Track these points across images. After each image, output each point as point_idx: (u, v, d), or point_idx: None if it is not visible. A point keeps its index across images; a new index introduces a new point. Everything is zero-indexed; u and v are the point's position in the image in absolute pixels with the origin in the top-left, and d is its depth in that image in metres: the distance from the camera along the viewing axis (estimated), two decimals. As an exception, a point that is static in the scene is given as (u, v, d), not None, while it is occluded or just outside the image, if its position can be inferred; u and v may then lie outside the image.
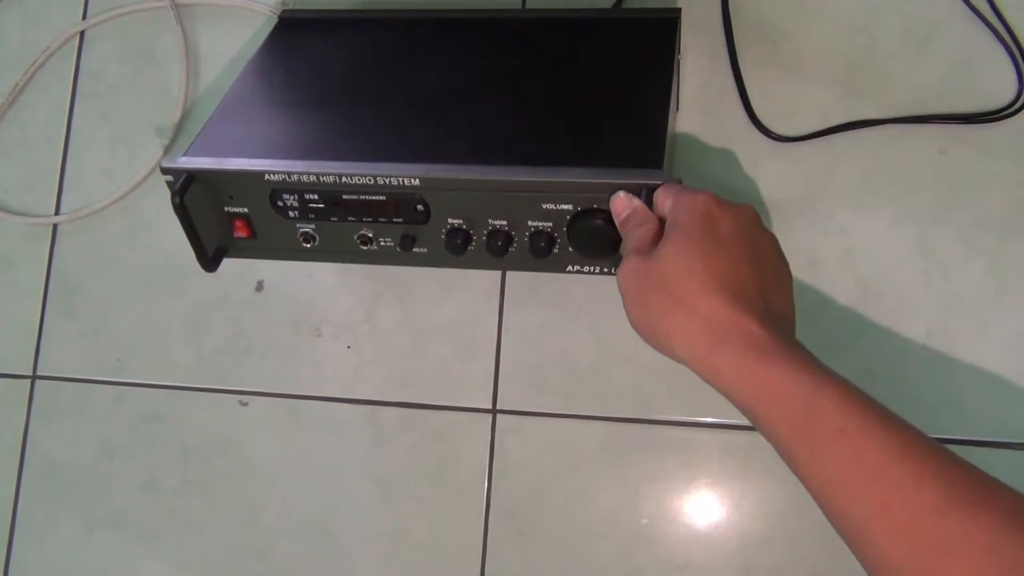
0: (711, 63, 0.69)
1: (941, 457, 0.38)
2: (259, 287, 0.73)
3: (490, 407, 0.68)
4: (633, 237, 0.48)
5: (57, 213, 0.77)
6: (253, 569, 0.70)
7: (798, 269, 0.65)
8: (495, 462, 0.68)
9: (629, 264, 0.46)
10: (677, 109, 0.69)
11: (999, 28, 0.65)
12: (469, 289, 0.69)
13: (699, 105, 0.69)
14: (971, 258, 0.64)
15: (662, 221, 0.48)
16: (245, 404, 0.72)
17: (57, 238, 0.77)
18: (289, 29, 0.69)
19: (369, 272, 0.71)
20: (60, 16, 0.80)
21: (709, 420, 0.65)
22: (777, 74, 0.68)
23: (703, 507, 0.65)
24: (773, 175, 0.67)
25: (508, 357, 0.69)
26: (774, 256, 0.48)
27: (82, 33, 0.80)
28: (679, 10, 0.65)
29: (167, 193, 0.55)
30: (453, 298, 0.70)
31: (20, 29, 0.80)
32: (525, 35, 0.66)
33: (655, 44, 0.63)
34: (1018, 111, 0.64)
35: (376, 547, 0.69)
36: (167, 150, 0.76)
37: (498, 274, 0.69)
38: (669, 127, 0.56)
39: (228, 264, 0.74)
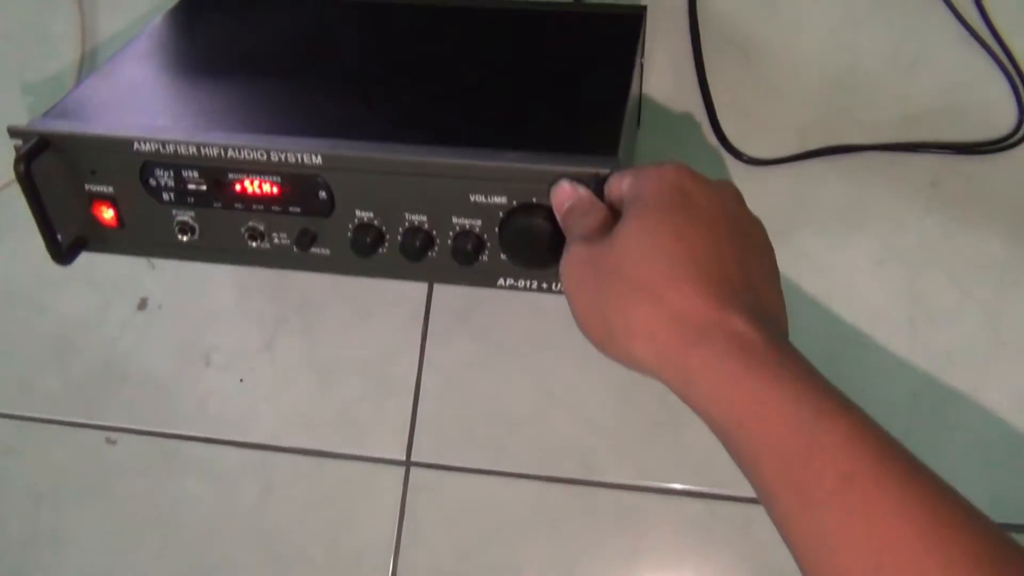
0: (676, 76, 0.61)
1: (974, 527, 0.29)
2: (142, 305, 0.62)
3: (403, 458, 0.58)
4: (579, 226, 0.38)
5: (-86, 209, 0.66)
6: (105, 645, 0.58)
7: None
8: (405, 525, 0.57)
9: (575, 252, 0.37)
10: (638, 125, 0.61)
11: (997, 51, 0.58)
12: (387, 316, 0.59)
13: (661, 121, 0.61)
14: (965, 306, 0.55)
15: (613, 211, 0.39)
16: (113, 442, 0.61)
17: (-90, 238, 0.66)
18: (195, 5, 0.60)
19: (273, 292, 0.61)
20: (-57, -11, 0.70)
21: (661, 485, 0.56)
22: (749, 91, 0.60)
23: (650, 588, 0.55)
24: (743, 202, 0.58)
25: (428, 399, 0.58)
26: (762, 244, 0.38)
27: (-33, 9, 0.70)
28: (644, 7, 0.57)
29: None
30: (368, 326, 0.60)
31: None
32: (468, 24, 0.58)
33: (616, 33, 0.55)
34: (1018, 143, 0.57)
35: (255, 623, 0.57)
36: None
37: (422, 300, 0.59)
38: (627, 114, 0.47)
39: (107, 276, 0.64)
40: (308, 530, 0.58)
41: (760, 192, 0.58)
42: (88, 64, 0.67)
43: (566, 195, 0.40)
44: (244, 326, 0.61)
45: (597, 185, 0.40)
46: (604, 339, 0.35)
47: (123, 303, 0.62)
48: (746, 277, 0.35)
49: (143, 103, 0.50)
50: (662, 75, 0.61)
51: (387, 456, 0.58)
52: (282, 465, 0.59)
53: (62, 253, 0.48)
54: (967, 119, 0.58)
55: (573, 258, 0.37)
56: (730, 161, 0.59)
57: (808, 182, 0.58)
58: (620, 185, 0.38)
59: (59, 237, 0.47)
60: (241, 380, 0.60)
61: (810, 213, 0.58)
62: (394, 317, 0.59)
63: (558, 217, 0.41)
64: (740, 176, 0.59)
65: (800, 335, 0.55)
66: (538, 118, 0.47)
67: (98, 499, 0.60)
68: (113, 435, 0.61)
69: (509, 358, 0.58)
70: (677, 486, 0.56)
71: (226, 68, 0.53)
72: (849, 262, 0.57)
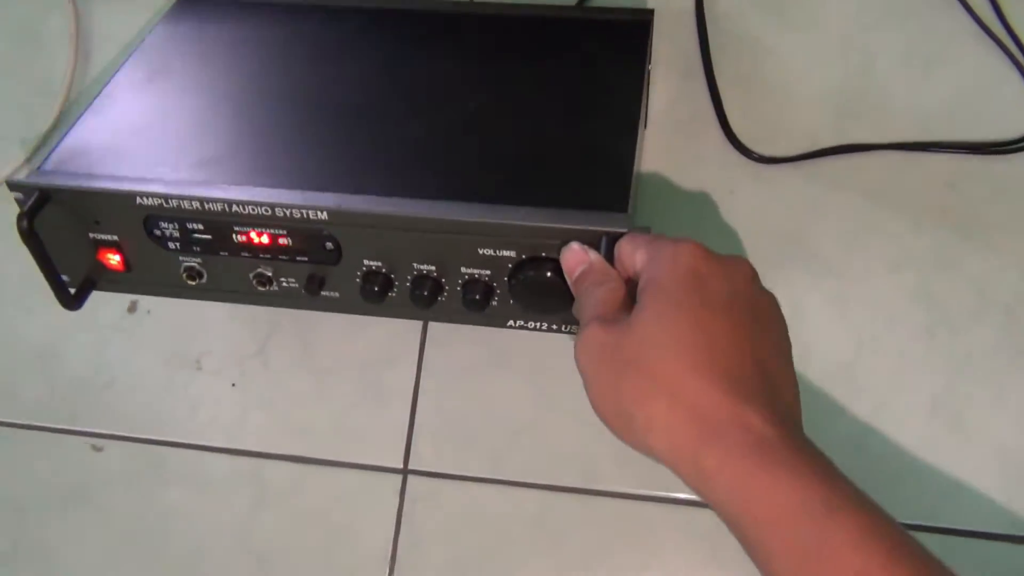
0: (684, 75, 0.60)
1: None
2: (132, 308, 0.60)
3: (400, 466, 0.55)
4: (592, 299, 0.38)
5: (-100, 210, 0.64)
6: (86, 662, 0.56)
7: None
8: (402, 536, 0.54)
9: (591, 334, 0.36)
10: (645, 126, 0.59)
11: (1014, 50, 0.57)
12: (385, 321, 0.57)
13: (669, 121, 0.59)
14: (985, 312, 0.53)
15: (626, 281, 0.39)
16: (99, 450, 0.58)
17: None
18: (188, 13, 0.58)
19: (267, 296, 0.59)
20: (-64, -12, 0.69)
21: (667, 494, 0.53)
22: (758, 91, 0.59)
23: (656, 604, 0.52)
24: (752, 202, 0.57)
25: (427, 405, 0.56)
26: (776, 324, 0.38)
27: (-41, 8, 0.69)
28: (651, 11, 0.56)
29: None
30: (365, 330, 0.58)
31: None
32: (470, 35, 0.56)
33: (623, 53, 0.53)
34: (1037, 143, 0.55)
35: (244, 639, 0.54)
36: (32, 153, 0.64)
37: (420, 304, 0.57)
38: (636, 158, 0.46)
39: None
40: (301, 541, 0.55)
41: (771, 191, 0.57)
42: (81, 70, 0.66)
43: (577, 259, 0.40)
44: (237, 330, 0.59)
45: (608, 244, 0.40)
46: (621, 428, 0.35)
47: (112, 306, 0.60)
48: (762, 366, 0.35)
49: (142, 145, 0.49)
50: (670, 76, 0.60)
51: (384, 464, 0.55)
52: (275, 474, 0.56)
53: (71, 299, 0.47)
54: (983, 119, 0.56)
55: (590, 341, 0.36)
56: (739, 159, 0.57)
57: (821, 181, 0.56)
58: (633, 255, 0.38)
59: (65, 279, 0.47)
60: (233, 385, 0.58)
61: (823, 213, 0.56)
62: (392, 321, 0.57)
63: (569, 281, 0.41)
64: (750, 175, 0.57)
65: (814, 341, 0.54)
66: (545, 166, 0.46)
67: (83, 509, 0.57)
68: (99, 442, 0.58)
69: (509, 364, 0.56)
70: (683, 496, 0.53)
71: (224, 98, 0.51)
72: (863, 264, 0.55)
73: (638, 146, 0.47)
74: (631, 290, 0.37)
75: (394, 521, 0.55)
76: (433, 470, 0.55)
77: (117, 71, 0.53)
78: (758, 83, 0.59)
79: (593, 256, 0.40)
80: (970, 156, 0.56)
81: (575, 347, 0.37)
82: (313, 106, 0.51)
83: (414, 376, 0.57)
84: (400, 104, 0.50)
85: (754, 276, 0.38)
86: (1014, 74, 0.57)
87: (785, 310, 0.53)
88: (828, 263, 0.55)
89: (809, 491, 0.31)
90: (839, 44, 0.59)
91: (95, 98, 0.51)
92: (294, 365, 0.58)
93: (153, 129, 0.50)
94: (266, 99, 0.51)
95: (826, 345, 0.54)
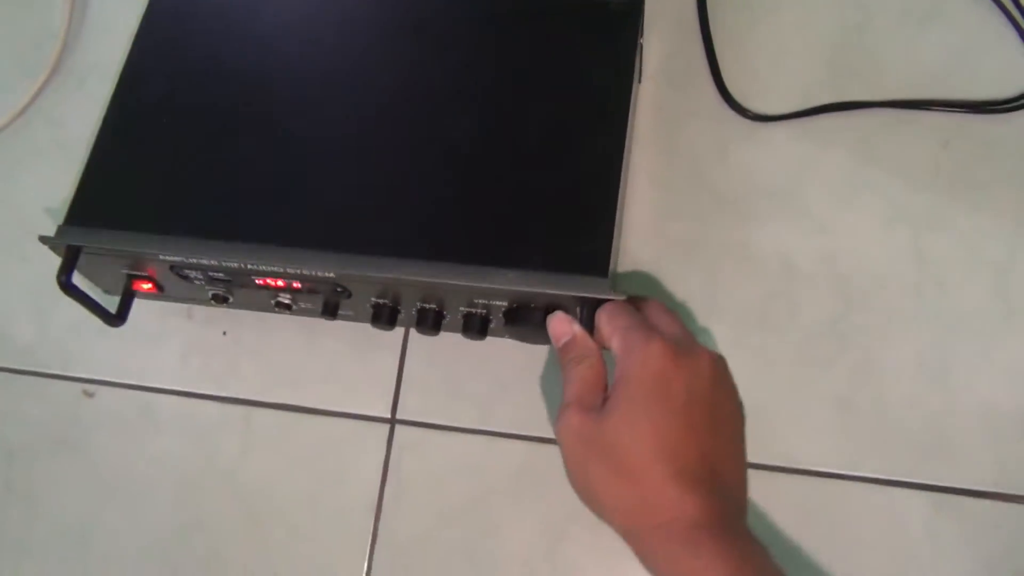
0: (679, 29, 0.60)
1: None
2: (125, 256, 0.60)
3: (388, 416, 0.56)
4: (574, 379, 0.44)
5: None
6: (75, 603, 0.56)
7: (769, 271, 0.54)
8: (388, 484, 0.55)
9: (571, 420, 0.42)
10: (639, 81, 0.59)
11: (1011, 9, 0.56)
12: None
13: (662, 76, 0.59)
14: (975, 270, 0.53)
15: (605, 349, 0.45)
16: (91, 395, 0.59)
17: None
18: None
19: (259, 246, 0.59)
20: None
21: (653, 447, 0.53)
22: (754, 47, 0.59)
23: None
24: (745, 160, 0.56)
25: (416, 356, 0.56)
26: (730, 420, 0.44)
27: (-44, -44, 0.68)
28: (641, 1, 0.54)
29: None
30: (355, 281, 0.58)
31: None
32: (451, 37, 0.55)
33: (609, 66, 0.52)
34: (1032, 103, 0.55)
35: (231, 583, 0.55)
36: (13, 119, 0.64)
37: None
38: (618, 217, 0.48)
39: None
40: (289, 488, 0.55)
41: (763, 149, 0.57)
42: (79, 15, 0.66)
43: (562, 330, 0.45)
44: (229, 279, 0.59)
45: (589, 311, 0.45)
46: (588, 502, 0.43)
47: (105, 254, 0.61)
48: (709, 460, 0.41)
49: (155, 193, 0.51)
50: (665, 31, 0.60)
51: (372, 413, 0.56)
52: (264, 421, 0.57)
53: (115, 318, 0.53)
54: (979, 77, 0.56)
55: (570, 426, 0.42)
56: (732, 117, 0.57)
57: (815, 139, 0.56)
58: (610, 338, 0.44)
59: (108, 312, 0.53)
60: (224, 333, 0.58)
61: (816, 171, 0.56)
62: (382, 271, 0.57)
63: (554, 346, 0.46)
64: (742, 133, 0.57)
65: (804, 296, 0.54)
66: (531, 223, 0.48)
67: (73, 454, 0.58)
68: (91, 387, 0.59)
69: (500, 315, 0.56)
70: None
71: (219, 121, 0.53)
72: (855, 223, 0.55)
73: (619, 204, 0.49)
74: (608, 358, 0.44)
75: (381, 469, 0.55)
76: (420, 420, 0.55)
77: (112, 96, 0.54)
78: (753, 40, 0.59)
79: (576, 329, 0.45)
80: (965, 115, 0.55)
81: (556, 422, 0.43)
82: (307, 132, 0.52)
83: (403, 328, 0.57)
84: (390, 134, 0.52)
85: (715, 375, 0.42)
86: (1010, 32, 0.56)
87: (775, 267, 0.54)
88: (820, 220, 0.55)
89: (723, 572, 0.37)
90: (836, 2, 0.58)
91: (97, 136, 0.53)
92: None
93: (160, 170, 0.52)
94: (265, 130, 0.53)
95: (816, 300, 0.54)
